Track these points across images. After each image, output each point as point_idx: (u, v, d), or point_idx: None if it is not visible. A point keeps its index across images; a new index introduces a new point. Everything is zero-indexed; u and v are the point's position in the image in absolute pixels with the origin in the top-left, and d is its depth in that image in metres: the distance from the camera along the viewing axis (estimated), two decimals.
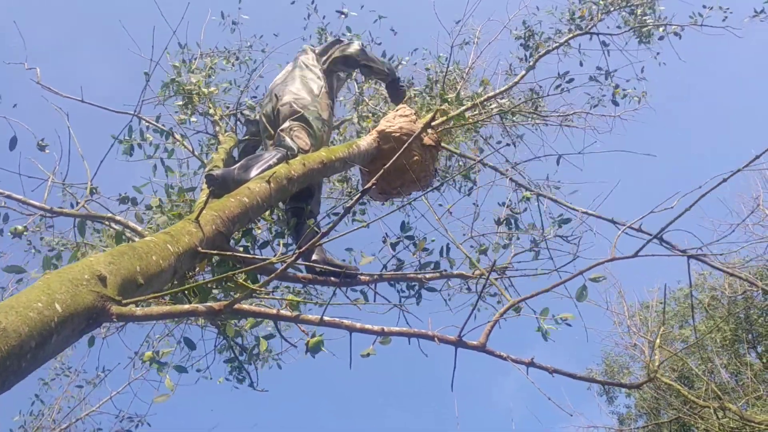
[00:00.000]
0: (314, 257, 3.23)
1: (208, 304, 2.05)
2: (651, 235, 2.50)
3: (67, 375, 6.43)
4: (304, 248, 1.88)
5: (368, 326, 2.28)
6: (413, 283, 3.88)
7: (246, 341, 3.76)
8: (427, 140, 4.07)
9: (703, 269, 11.82)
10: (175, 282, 2.57)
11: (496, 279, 4.30)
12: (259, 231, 3.06)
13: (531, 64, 5.62)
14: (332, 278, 3.22)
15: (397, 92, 4.50)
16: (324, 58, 4.16)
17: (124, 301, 2.03)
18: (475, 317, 4.55)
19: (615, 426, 10.76)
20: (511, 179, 4.65)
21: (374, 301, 3.64)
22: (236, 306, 2.17)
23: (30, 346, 1.67)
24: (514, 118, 5.92)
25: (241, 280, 2.42)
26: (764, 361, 9.96)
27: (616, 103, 5.80)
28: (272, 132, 3.71)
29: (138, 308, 2.00)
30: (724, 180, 2.31)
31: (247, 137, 4.24)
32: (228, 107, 4.57)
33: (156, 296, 2.04)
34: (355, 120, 5.26)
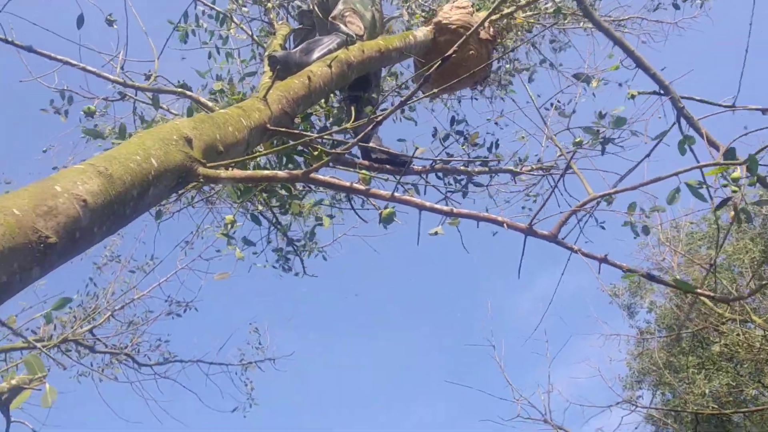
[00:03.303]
0: (372, 144, 3.29)
1: (288, 171, 2.14)
2: None
3: (118, 262, 6.81)
4: (382, 116, 1.92)
5: (437, 206, 2.34)
6: (461, 178, 3.94)
7: (301, 228, 3.90)
8: (483, 34, 3.97)
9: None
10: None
11: (542, 177, 4.33)
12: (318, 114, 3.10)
13: None
14: (388, 165, 3.29)
15: None
16: None
17: (208, 165, 2.13)
18: (523, 207, 4.63)
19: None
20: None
21: (424, 193, 3.73)
22: (312, 175, 2.26)
23: (132, 195, 1.78)
24: (566, 21, 5.69)
25: (315, 153, 2.49)
26: None
27: (677, 6, 5.50)
28: (325, 20, 3.66)
29: (222, 171, 2.09)
30: None
31: (300, 27, 4.17)
32: None
33: (238, 161, 2.13)
34: (406, 17, 5.12)
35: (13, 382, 1.79)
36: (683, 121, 2.57)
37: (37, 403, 1.73)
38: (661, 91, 2.67)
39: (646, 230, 3.49)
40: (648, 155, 2.43)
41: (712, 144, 2.48)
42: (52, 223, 1.42)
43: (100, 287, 6.66)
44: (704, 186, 2.39)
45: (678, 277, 10.44)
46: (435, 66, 1.84)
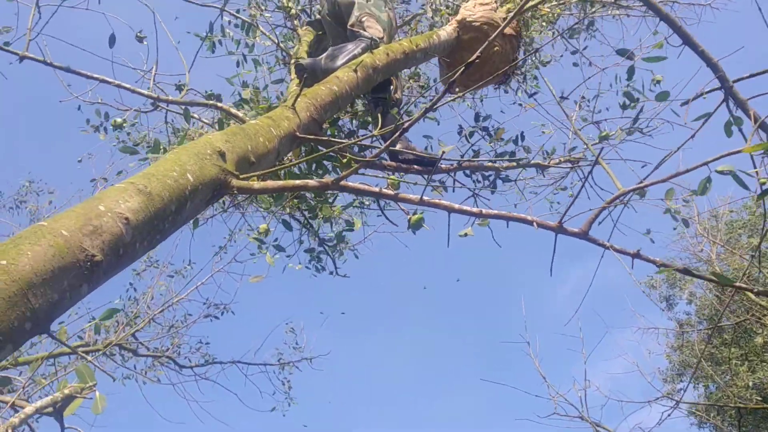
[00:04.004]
0: (399, 145, 3.32)
1: (318, 179, 2.18)
2: None
3: (156, 267, 7.00)
4: (409, 122, 1.95)
5: (466, 207, 2.35)
6: (488, 173, 3.92)
7: (331, 229, 3.96)
8: (507, 29, 3.95)
9: None
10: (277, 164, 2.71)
11: (569, 169, 4.28)
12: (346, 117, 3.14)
13: None
14: (415, 166, 3.31)
15: None
16: None
17: (241, 176, 2.19)
18: (551, 202, 4.57)
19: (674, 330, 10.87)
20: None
21: (453, 190, 3.74)
22: (342, 183, 2.30)
23: (171, 210, 1.85)
24: (593, 9, 5.59)
25: (344, 161, 2.53)
26: None
27: None
28: (337, 27, 3.71)
29: (255, 182, 2.15)
30: None
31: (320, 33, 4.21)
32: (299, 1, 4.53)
33: (269, 171, 2.18)
34: (429, 14, 5.12)
35: (66, 391, 1.87)
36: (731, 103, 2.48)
37: (87, 408, 1.82)
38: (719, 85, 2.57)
39: (686, 223, 3.44)
40: (692, 136, 2.36)
41: (761, 127, 2.39)
42: (97, 242, 1.49)
43: (140, 292, 6.87)
44: (732, 171, 2.28)
45: (717, 267, 10.18)
46: (459, 71, 1.86)
